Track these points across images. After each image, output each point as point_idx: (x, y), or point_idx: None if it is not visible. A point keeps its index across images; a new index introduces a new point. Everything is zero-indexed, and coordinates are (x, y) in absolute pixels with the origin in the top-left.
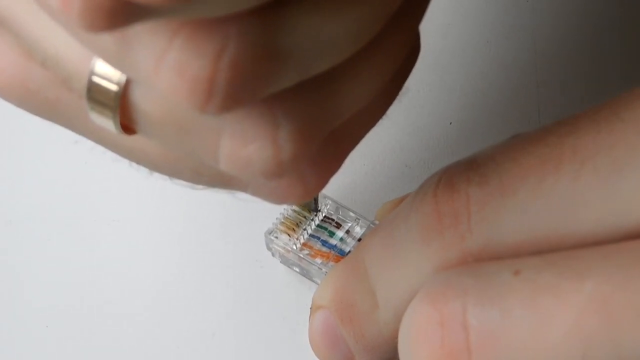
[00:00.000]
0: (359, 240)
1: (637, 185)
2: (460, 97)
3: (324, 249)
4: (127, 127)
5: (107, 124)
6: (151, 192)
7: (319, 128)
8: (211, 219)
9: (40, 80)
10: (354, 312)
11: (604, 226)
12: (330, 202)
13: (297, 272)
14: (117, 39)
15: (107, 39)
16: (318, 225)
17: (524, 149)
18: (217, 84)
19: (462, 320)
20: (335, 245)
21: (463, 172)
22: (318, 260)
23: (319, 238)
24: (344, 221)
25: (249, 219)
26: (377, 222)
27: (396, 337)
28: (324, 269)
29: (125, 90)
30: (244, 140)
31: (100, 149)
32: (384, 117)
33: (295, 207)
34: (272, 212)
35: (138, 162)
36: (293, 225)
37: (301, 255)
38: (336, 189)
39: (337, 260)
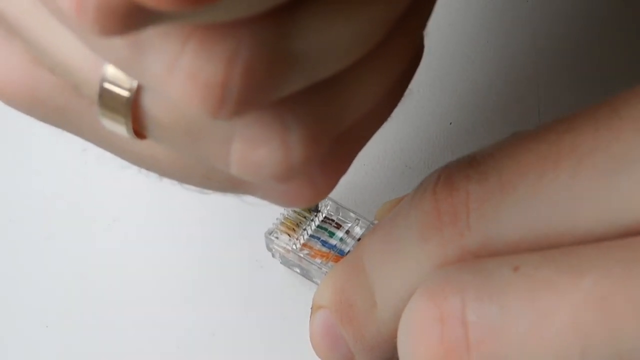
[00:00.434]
0: (359, 240)
1: (635, 182)
2: (460, 97)
3: (324, 249)
4: (138, 132)
5: (119, 129)
6: (151, 192)
7: (328, 130)
8: (211, 219)
9: (50, 88)
10: (353, 311)
11: (602, 223)
12: (330, 202)
13: (297, 272)
14: (129, 44)
15: (119, 44)
16: (318, 226)
17: (523, 146)
18: (230, 89)
19: (461, 316)
20: (335, 246)
21: (462, 169)
22: (318, 260)
23: (319, 238)
24: (344, 221)
25: (249, 219)
26: (376, 222)
27: (395, 337)
28: (324, 269)
29: (136, 96)
30: (255, 144)
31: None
32: None
33: (295, 208)
34: (272, 213)
35: (148, 169)
36: (293, 226)
37: (301, 256)
38: (336, 189)
39: (337, 261)
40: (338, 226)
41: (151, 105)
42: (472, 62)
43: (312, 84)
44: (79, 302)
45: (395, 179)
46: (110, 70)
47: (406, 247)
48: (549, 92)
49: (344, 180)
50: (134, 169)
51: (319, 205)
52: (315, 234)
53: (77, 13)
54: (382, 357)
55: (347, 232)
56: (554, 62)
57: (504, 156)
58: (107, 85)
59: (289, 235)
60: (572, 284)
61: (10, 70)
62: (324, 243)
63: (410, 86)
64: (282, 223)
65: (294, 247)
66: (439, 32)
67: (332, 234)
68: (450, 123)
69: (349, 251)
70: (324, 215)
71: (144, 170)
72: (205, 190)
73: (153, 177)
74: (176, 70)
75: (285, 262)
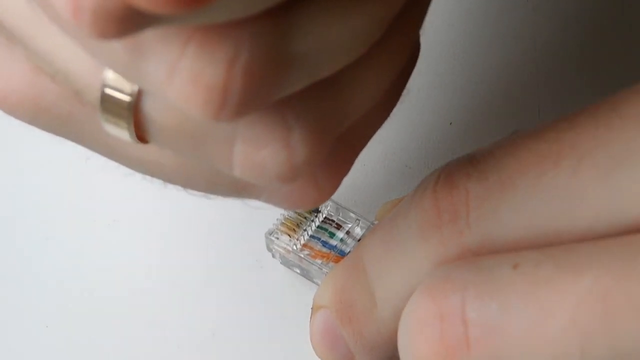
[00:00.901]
0: (359, 241)
1: (635, 181)
2: (460, 97)
3: (325, 249)
4: (141, 136)
5: (121, 134)
6: (151, 192)
7: (329, 130)
8: (212, 220)
9: (53, 96)
10: (353, 311)
11: (602, 221)
12: (330, 203)
13: (297, 272)
14: (128, 48)
15: (118, 49)
16: (318, 226)
17: (523, 144)
18: (231, 91)
19: (461, 314)
20: (336, 246)
21: (462, 168)
22: (318, 261)
23: (319, 239)
24: (344, 222)
25: (250, 220)
26: (377, 222)
27: (395, 336)
28: (324, 270)
29: (137, 100)
30: (257, 145)
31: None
32: None
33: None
34: (273, 213)
35: (152, 175)
36: (293, 226)
37: (301, 256)
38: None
39: (337, 261)
40: (338, 227)
41: (153, 109)
42: (472, 62)
43: (312, 84)
44: (79, 302)
45: (395, 179)
46: (111, 75)
47: (406, 246)
48: (549, 92)
49: (344, 181)
50: (137, 175)
51: (320, 206)
52: (315, 235)
53: (74, 17)
54: (382, 357)
55: (348, 232)
56: (554, 62)
57: (504, 155)
58: (108, 91)
59: (289, 235)
60: (571, 282)
61: (13, 80)
62: (325, 243)
63: (409, 86)
64: (282, 223)
65: (294, 247)
66: (439, 32)
67: (332, 235)
68: (450, 123)
69: (349, 252)
70: (324, 215)
71: (148, 177)
72: (210, 195)
73: (158, 183)
74: (176, 74)
75: (286, 263)
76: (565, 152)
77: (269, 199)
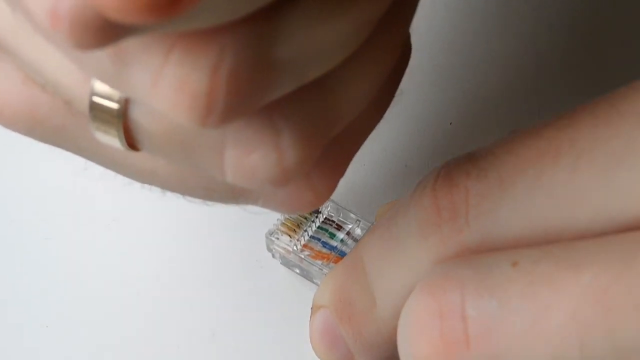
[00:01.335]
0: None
1: (634, 178)
2: (460, 97)
3: (325, 250)
4: (133, 144)
5: (113, 142)
6: (151, 192)
7: (320, 132)
8: (212, 220)
9: (46, 109)
10: (352, 311)
11: (601, 218)
12: (330, 203)
13: (297, 273)
14: (113, 57)
15: (103, 58)
16: (319, 227)
17: (523, 142)
18: (216, 97)
19: (460, 311)
20: (336, 247)
21: (462, 166)
22: (318, 261)
23: (319, 239)
24: (345, 223)
25: (250, 220)
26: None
27: (395, 335)
28: (324, 270)
29: (125, 108)
30: (247, 150)
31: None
32: (383, 118)
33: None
34: (273, 214)
35: (150, 183)
36: (294, 227)
37: (302, 257)
38: (336, 190)
39: (337, 262)
40: (339, 227)
41: (141, 116)
42: (472, 62)
43: (301, 86)
44: (79, 302)
45: (395, 179)
46: (98, 84)
47: (405, 244)
48: (549, 92)
49: (344, 181)
50: (136, 184)
51: (320, 207)
52: (315, 235)
53: (53, 28)
54: (381, 356)
55: (348, 233)
56: (553, 62)
57: (503, 153)
58: (96, 99)
59: (289, 236)
60: (571, 279)
61: (7, 92)
62: (325, 244)
63: (410, 86)
64: (282, 224)
65: (294, 248)
66: (439, 32)
67: (332, 235)
68: (450, 123)
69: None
70: (324, 216)
71: (147, 185)
72: (209, 202)
73: (156, 190)
74: (161, 82)
75: (286, 263)
76: (564, 150)
77: (266, 204)
